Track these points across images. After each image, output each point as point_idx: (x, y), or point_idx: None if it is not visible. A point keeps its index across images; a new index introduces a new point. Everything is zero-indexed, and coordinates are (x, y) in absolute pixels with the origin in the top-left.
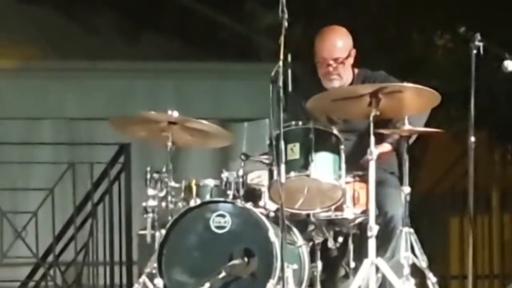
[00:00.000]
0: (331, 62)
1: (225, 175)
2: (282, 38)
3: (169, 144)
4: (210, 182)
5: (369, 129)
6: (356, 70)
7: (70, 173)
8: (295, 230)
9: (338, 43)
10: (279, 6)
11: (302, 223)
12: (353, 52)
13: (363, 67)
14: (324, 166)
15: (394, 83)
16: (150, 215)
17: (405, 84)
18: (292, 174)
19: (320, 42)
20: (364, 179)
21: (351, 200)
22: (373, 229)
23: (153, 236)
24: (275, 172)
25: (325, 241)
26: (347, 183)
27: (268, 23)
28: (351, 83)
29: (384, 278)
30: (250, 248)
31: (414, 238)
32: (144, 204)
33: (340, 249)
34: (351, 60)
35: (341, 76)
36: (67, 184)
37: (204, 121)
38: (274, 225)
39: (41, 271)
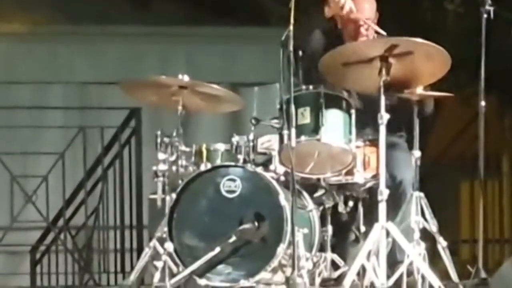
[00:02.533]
0: (362, 22)
1: (235, 139)
2: (292, 2)
3: (180, 108)
4: (221, 147)
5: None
6: (375, 36)
7: (80, 137)
8: (305, 194)
9: (368, 3)
10: None
11: (312, 187)
12: (377, 16)
13: None
14: (335, 130)
15: (405, 38)
16: (161, 179)
17: (417, 39)
18: (303, 138)
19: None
20: (374, 143)
21: (361, 164)
22: (384, 193)
23: (163, 200)
24: (285, 136)
25: (335, 206)
26: (357, 147)
27: None
28: None
29: (394, 242)
30: (260, 213)
31: (424, 202)
32: (154, 168)
33: (351, 214)
34: (376, 24)
35: (369, 35)
36: (77, 148)
37: (214, 86)
38: (285, 189)
39: (51, 235)
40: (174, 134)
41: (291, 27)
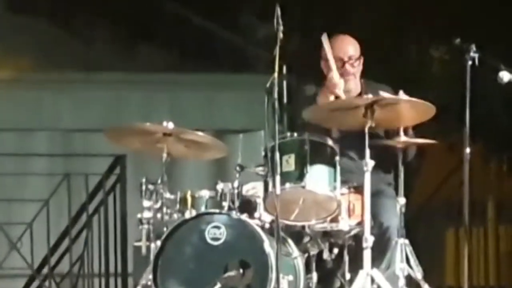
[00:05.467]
0: (346, 59)
1: (220, 186)
2: (277, 50)
3: (164, 155)
4: (205, 194)
5: (370, 142)
6: (362, 80)
7: (65, 184)
8: (290, 241)
9: (351, 43)
10: (274, 17)
11: (297, 234)
12: (362, 58)
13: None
14: (319, 177)
15: (389, 96)
16: (145, 226)
17: (401, 97)
18: (287, 185)
19: (334, 44)
20: (359, 190)
21: (346, 212)
22: (369, 240)
23: (148, 248)
24: (270, 184)
25: (320, 253)
26: (342, 194)
27: (264, 34)
28: (360, 94)
29: None
30: (245, 260)
31: (409, 249)
32: (139, 215)
33: (336, 261)
34: (361, 66)
35: (355, 76)
36: (62, 196)
37: (199, 133)
38: (270, 237)
39: (36, 283)
40: (159, 181)
41: (276, 74)
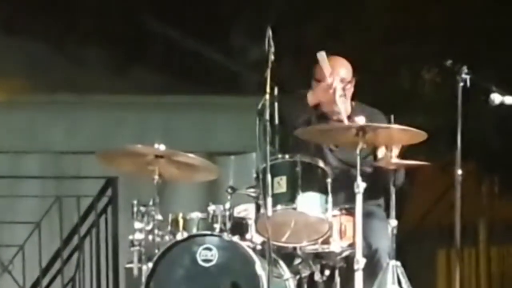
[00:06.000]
0: (339, 81)
1: (211, 208)
2: (268, 71)
3: (156, 177)
4: (197, 216)
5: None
6: (353, 103)
7: (57, 207)
8: (282, 263)
9: (344, 65)
10: (265, 39)
11: (289, 256)
12: (354, 80)
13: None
14: (311, 199)
15: (381, 124)
16: (137, 248)
17: (392, 125)
18: (279, 207)
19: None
20: (350, 212)
21: (337, 233)
22: (360, 262)
23: (140, 270)
24: (262, 205)
25: (312, 274)
26: (333, 216)
27: (255, 56)
28: (349, 116)
29: None
30: (237, 282)
31: (401, 271)
32: (131, 237)
33: (327, 282)
34: (352, 88)
35: (347, 98)
36: (54, 218)
37: (191, 155)
38: (261, 258)
39: None
40: (151, 203)
41: (267, 96)
